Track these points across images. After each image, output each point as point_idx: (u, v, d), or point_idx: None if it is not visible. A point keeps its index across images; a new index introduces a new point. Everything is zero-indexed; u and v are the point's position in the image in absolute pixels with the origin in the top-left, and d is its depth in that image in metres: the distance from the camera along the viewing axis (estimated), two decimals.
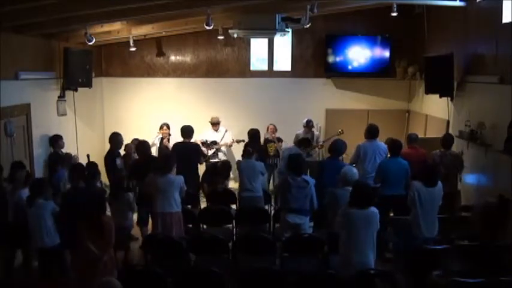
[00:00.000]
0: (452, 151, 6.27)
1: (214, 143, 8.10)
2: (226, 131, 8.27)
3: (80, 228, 4.29)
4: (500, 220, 5.20)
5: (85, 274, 4.21)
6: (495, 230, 5.14)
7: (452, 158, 6.18)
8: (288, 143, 7.86)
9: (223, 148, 8.21)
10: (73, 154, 6.75)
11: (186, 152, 6.60)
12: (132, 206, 5.55)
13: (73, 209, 4.67)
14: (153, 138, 7.96)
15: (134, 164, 6.57)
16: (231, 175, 8.19)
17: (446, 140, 6.27)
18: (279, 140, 8.10)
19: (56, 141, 6.60)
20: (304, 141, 7.15)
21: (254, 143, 7.23)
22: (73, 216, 4.47)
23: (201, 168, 7.53)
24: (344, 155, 7.62)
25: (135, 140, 7.50)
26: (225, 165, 6.90)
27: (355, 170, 5.26)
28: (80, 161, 6.51)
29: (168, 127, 8.06)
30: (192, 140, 7.22)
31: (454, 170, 6.21)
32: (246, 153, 6.44)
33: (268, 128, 8.20)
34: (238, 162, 6.42)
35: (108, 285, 3.08)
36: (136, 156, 6.78)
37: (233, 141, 8.15)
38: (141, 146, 6.55)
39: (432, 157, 6.21)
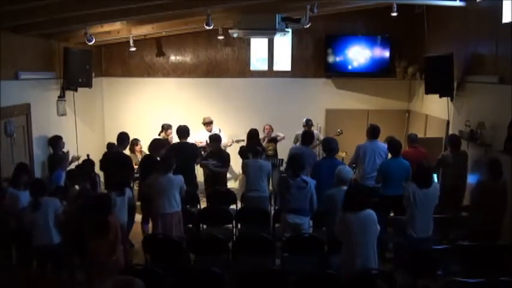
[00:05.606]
0: (461, 151, 6.28)
1: None
2: (220, 131, 8.15)
3: (87, 229, 4.31)
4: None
5: (94, 274, 4.23)
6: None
7: (463, 157, 6.21)
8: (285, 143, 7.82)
9: None
10: (72, 155, 6.70)
11: (183, 152, 6.59)
12: (133, 203, 5.53)
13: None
14: None
15: (143, 160, 6.69)
16: (229, 175, 8.18)
17: (456, 141, 6.28)
18: (272, 140, 8.02)
19: (56, 142, 6.56)
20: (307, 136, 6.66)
21: (253, 144, 7.16)
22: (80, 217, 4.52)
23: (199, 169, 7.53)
24: (344, 155, 7.66)
25: (135, 140, 7.47)
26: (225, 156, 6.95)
27: (348, 169, 5.25)
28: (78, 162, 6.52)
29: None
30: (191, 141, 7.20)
31: (465, 169, 6.25)
32: (254, 153, 6.32)
33: (264, 128, 8.14)
34: (245, 162, 6.31)
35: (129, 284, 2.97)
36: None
37: (232, 142, 8.08)
38: (155, 144, 6.49)
39: (444, 158, 6.22)
